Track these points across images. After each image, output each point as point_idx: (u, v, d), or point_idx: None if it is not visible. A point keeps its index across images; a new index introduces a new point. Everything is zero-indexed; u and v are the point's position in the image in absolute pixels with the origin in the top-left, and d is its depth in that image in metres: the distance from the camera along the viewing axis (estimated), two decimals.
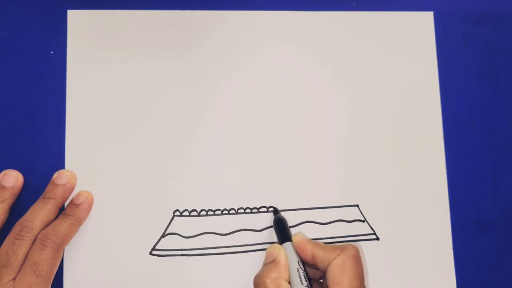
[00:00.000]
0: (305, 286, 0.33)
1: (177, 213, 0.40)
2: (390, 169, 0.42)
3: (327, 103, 0.42)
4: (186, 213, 0.40)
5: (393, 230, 0.41)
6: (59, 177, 0.38)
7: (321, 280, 0.36)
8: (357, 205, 0.41)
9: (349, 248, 0.34)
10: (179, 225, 0.39)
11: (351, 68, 0.43)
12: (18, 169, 0.39)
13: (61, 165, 0.39)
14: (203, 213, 0.40)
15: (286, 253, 0.35)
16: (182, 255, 0.39)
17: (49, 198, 0.37)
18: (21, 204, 0.38)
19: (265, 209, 0.40)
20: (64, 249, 0.38)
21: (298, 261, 0.34)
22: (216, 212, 0.40)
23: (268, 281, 0.33)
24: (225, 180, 0.40)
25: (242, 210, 0.40)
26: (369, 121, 0.42)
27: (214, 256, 0.39)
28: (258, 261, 0.39)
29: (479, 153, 0.43)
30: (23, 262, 0.35)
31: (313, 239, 0.40)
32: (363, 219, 0.41)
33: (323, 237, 0.40)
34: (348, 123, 0.42)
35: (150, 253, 0.39)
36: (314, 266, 0.35)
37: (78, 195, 0.38)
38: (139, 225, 0.39)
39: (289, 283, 0.34)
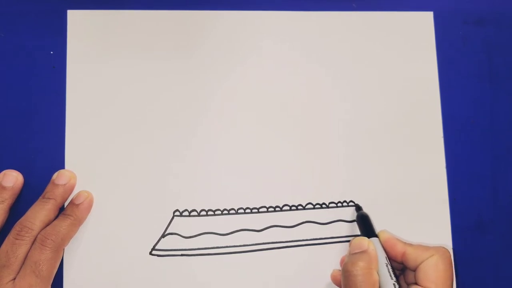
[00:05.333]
0: (394, 282, 0.33)
1: (177, 213, 0.40)
2: (390, 169, 0.42)
3: (327, 103, 0.42)
4: (186, 213, 0.40)
5: (393, 230, 0.41)
6: (59, 177, 0.38)
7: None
8: (357, 205, 0.41)
9: (443, 250, 0.35)
10: (179, 225, 0.39)
11: (351, 68, 0.43)
12: (18, 169, 0.39)
13: (61, 165, 0.39)
14: (203, 213, 0.40)
15: (375, 246, 0.35)
16: (182, 255, 0.39)
17: (49, 198, 0.37)
18: (21, 204, 0.38)
19: (265, 209, 0.40)
20: (64, 249, 0.38)
21: (386, 257, 0.35)
22: (216, 212, 0.40)
23: (358, 268, 0.33)
24: (225, 180, 0.40)
25: (242, 210, 0.40)
26: (369, 121, 0.42)
27: (214, 256, 0.39)
28: (258, 261, 0.39)
29: (479, 153, 0.43)
30: (23, 262, 0.35)
31: (313, 239, 0.40)
32: None
33: (323, 237, 0.40)
34: (348, 123, 0.42)
35: (150, 253, 0.39)
36: (400, 264, 0.36)
37: (78, 195, 0.38)
38: (139, 225, 0.39)
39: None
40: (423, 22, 0.44)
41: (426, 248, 0.35)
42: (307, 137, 0.42)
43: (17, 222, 0.36)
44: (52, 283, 0.36)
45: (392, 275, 0.34)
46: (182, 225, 0.39)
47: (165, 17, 0.42)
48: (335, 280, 0.38)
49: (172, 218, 0.40)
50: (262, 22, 0.43)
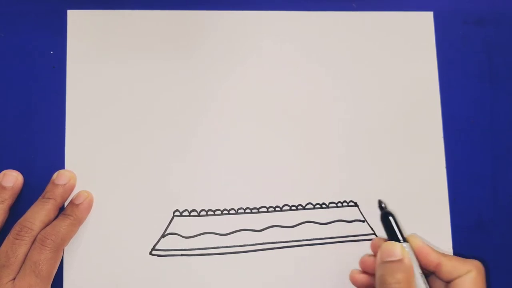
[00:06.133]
0: None
1: (177, 213, 0.40)
2: (390, 169, 0.42)
3: (327, 103, 0.42)
4: (186, 213, 0.40)
5: None
6: (59, 177, 0.38)
7: None
8: (357, 205, 0.41)
9: (480, 266, 0.33)
10: (179, 225, 0.39)
11: (351, 68, 0.43)
12: (18, 169, 0.39)
13: (61, 165, 0.39)
14: (203, 213, 0.40)
15: (409, 254, 0.33)
16: (182, 255, 0.39)
17: (49, 198, 0.37)
18: (21, 204, 0.38)
19: (265, 209, 0.40)
20: (64, 249, 0.38)
21: (418, 265, 0.33)
22: (216, 212, 0.40)
23: (396, 281, 0.31)
24: (225, 180, 0.40)
25: (242, 210, 0.40)
26: (369, 121, 0.42)
27: (214, 256, 0.39)
28: (258, 261, 0.39)
29: (479, 153, 0.43)
30: (23, 262, 0.35)
31: (313, 239, 0.40)
32: (363, 219, 0.41)
33: (323, 237, 0.40)
34: (348, 123, 0.42)
35: (150, 253, 0.39)
36: (433, 274, 0.34)
37: (78, 195, 0.38)
38: (139, 225, 0.39)
39: None
40: (423, 22, 0.44)
41: (463, 261, 0.33)
42: (307, 137, 0.42)
43: (17, 222, 0.36)
44: (52, 283, 0.36)
45: (426, 285, 0.32)
46: (182, 225, 0.39)
47: (165, 17, 0.42)
48: (355, 282, 0.36)
49: (172, 218, 0.40)
50: (262, 22, 0.43)
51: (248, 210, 0.40)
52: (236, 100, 0.42)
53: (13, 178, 0.38)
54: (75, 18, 0.41)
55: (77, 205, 0.38)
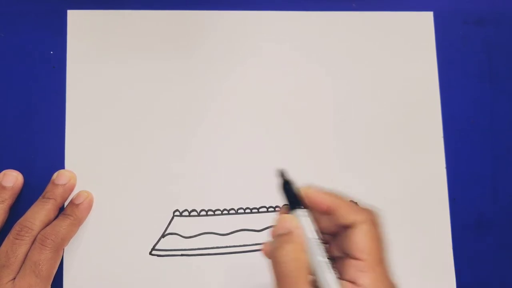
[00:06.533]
0: (324, 259, 0.30)
1: (177, 213, 0.40)
2: (390, 169, 0.42)
3: (327, 103, 0.42)
4: (186, 213, 0.40)
5: (393, 230, 0.41)
6: (59, 177, 0.38)
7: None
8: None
9: (373, 214, 0.31)
10: (179, 225, 0.39)
11: (351, 68, 0.43)
12: (18, 169, 0.39)
13: (61, 165, 0.39)
14: (203, 213, 0.40)
15: (300, 223, 0.31)
16: (182, 255, 0.39)
17: (49, 198, 0.37)
18: (21, 204, 0.38)
19: (265, 209, 0.40)
20: (63, 249, 0.38)
21: (312, 230, 0.31)
22: (216, 212, 0.40)
23: (285, 254, 0.29)
24: (225, 180, 0.40)
25: (242, 210, 0.40)
26: (369, 121, 0.42)
27: (214, 256, 0.39)
28: (258, 261, 0.39)
29: (479, 153, 0.43)
30: (23, 262, 0.35)
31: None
32: None
33: None
34: (348, 123, 0.42)
35: (150, 253, 0.39)
36: (330, 235, 0.32)
37: (78, 195, 0.38)
38: (139, 225, 0.39)
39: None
40: (423, 22, 0.44)
41: (357, 209, 0.31)
42: (307, 137, 0.42)
43: (17, 222, 0.36)
44: (52, 283, 0.36)
45: (320, 252, 0.30)
46: (182, 225, 0.39)
47: (165, 17, 0.42)
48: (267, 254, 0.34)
49: (172, 218, 0.40)
50: (262, 22, 0.43)
51: (248, 210, 0.40)
52: (236, 100, 0.42)
53: (13, 178, 0.38)
54: (75, 18, 0.41)
55: (77, 205, 0.38)
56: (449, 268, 0.41)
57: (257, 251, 0.40)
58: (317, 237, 0.31)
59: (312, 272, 0.30)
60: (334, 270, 0.30)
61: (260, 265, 0.39)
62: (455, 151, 0.43)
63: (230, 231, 0.40)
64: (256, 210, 0.40)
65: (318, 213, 0.32)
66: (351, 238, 0.30)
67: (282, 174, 0.34)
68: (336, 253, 0.32)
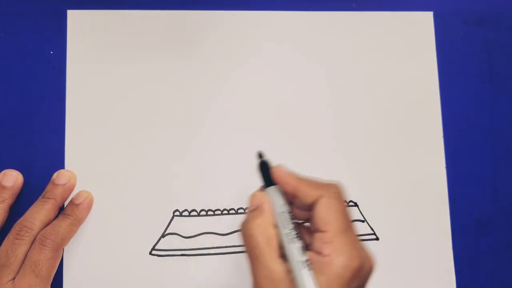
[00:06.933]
0: (289, 230, 0.31)
1: (177, 213, 0.40)
2: (390, 169, 0.42)
3: (326, 103, 0.42)
4: (186, 213, 0.40)
5: (393, 230, 0.41)
6: (59, 177, 0.38)
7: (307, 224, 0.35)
8: (357, 205, 0.41)
9: (333, 187, 0.33)
10: (179, 225, 0.39)
11: (351, 68, 0.43)
12: (18, 169, 0.39)
13: (61, 165, 0.39)
14: (203, 213, 0.40)
15: (270, 199, 0.33)
16: (182, 255, 0.39)
17: (49, 198, 0.37)
18: (21, 204, 0.38)
19: None
20: (63, 249, 0.38)
21: (282, 205, 0.33)
22: (216, 212, 0.40)
23: (254, 227, 0.31)
24: (225, 180, 0.40)
25: (242, 210, 0.40)
26: (369, 121, 0.42)
27: (214, 256, 0.39)
28: None
29: (479, 153, 0.43)
30: (23, 262, 0.35)
31: None
32: (362, 219, 0.41)
33: None
34: (348, 123, 0.42)
35: (150, 253, 0.39)
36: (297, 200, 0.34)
37: (77, 195, 0.38)
38: (139, 225, 0.39)
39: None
40: (423, 22, 0.44)
41: (316, 186, 0.33)
42: (307, 137, 0.42)
43: (17, 222, 0.36)
44: (52, 283, 0.36)
45: (287, 223, 0.32)
46: (182, 225, 0.39)
47: (165, 17, 0.42)
48: None
49: (172, 218, 0.40)
50: (262, 22, 0.43)
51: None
52: (236, 100, 0.42)
53: (13, 178, 0.38)
54: (75, 18, 0.41)
55: (77, 205, 0.38)
56: (449, 268, 0.41)
57: None
58: (288, 211, 0.32)
59: (280, 245, 0.31)
60: (303, 243, 0.31)
61: None
62: (455, 151, 0.43)
63: (230, 231, 0.40)
64: None
65: (286, 194, 0.34)
66: (315, 212, 0.32)
67: (260, 155, 0.36)
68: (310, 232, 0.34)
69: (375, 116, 0.43)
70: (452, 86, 0.44)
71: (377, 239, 0.41)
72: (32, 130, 0.40)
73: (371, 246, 0.41)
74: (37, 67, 0.40)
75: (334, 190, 0.33)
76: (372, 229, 0.41)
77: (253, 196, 0.34)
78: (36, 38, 0.41)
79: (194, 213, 0.40)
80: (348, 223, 0.32)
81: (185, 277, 0.39)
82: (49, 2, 0.41)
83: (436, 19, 0.44)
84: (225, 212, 0.40)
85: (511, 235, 0.42)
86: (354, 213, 0.41)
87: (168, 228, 0.39)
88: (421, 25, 0.44)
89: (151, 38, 0.42)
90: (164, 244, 0.39)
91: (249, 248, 0.31)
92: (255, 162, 0.35)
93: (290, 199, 0.34)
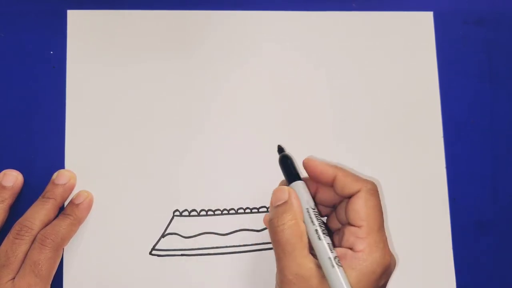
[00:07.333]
0: (317, 226, 0.31)
1: (177, 213, 0.40)
2: (390, 169, 0.42)
3: (326, 103, 0.42)
4: (186, 213, 0.40)
5: (393, 230, 0.41)
6: (59, 177, 0.38)
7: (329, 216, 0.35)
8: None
9: (371, 183, 0.33)
10: (179, 225, 0.39)
11: (351, 68, 0.43)
12: (18, 169, 0.39)
13: (61, 165, 0.39)
14: (203, 213, 0.40)
15: (296, 193, 0.33)
16: (182, 255, 0.39)
17: (49, 198, 0.37)
18: (21, 204, 0.38)
19: (265, 209, 0.40)
20: (63, 248, 0.38)
21: (308, 200, 0.33)
22: (216, 212, 0.40)
23: (287, 221, 0.31)
24: (225, 180, 0.40)
25: (242, 210, 0.40)
26: (369, 121, 0.42)
27: (214, 256, 0.39)
28: (258, 261, 0.39)
29: (479, 153, 0.43)
30: (23, 262, 0.35)
31: None
32: None
33: None
34: (348, 123, 0.42)
35: (150, 253, 0.39)
36: (330, 207, 0.34)
37: (77, 195, 0.38)
38: (139, 225, 0.39)
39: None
40: (423, 22, 0.44)
41: (356, 178, 0.33)
42: (306, 137, 0.42)
43: (17, 222, 0.36)
44: (52, 283, 0.36)
45: (314, 220, 0.32)
46: (182, 225, 0.39)
47: (165, 17, 0.42)
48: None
49: (172, 218, 0.40)
50: (262, 22, 0.43)
51: (248, 210, 0.40)
52: (236, 100, 0.42)
53: (13, 178, 0.38)
54: (75, 18, 0.41)
55: (77, 205, 0.38)
56: (449, 268, 0.41)
57: (257, 251, 0.40)
58: (313, 207, 0.32)
59: (309, 239, 0.31)
60: (332, 239, 0.32)
61: (260, 265, 0.39)
62: (455, 151, 0.43)
63: (230, 231, 0.40)
64: (256, 210, 0.40)
65: (321, 183, 0.34)
66: (351, 206, 0.32)
67: (280, 149, 0.36)
68: (336, 225, 0.34)
69: (375, 116, 0.43)
70: (452, 86, 0.44)
71: None
72: (32, 130, 0.40)
73: None
74: (37, 67, 0.40)
75: (372, 186, 0.33)
76: None
77: (278, 190, 0.33)
78: (36, 38, 0.41)
79: (194, 213, 0.40)
80: (382, 222, 0.32)
81: (185, 277, 0.39)
82: (49, 2, 0.41)
83: (436, 19, 0.44)
84: (225, 212, 0.40)
85: (511, 235, 0.42)
86: None
87: (168, 228, 0.39)
88: (421, 25, 0.44)
89: (151, 38, 0.42)
90: (164, 244, 0.39)
91: (280, 244, 0.31)
92: (275, 157, 0.35)
93: (314, 194, 0.34)
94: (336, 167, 0.33)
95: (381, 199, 0.33)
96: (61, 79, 0.40)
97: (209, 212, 0.40)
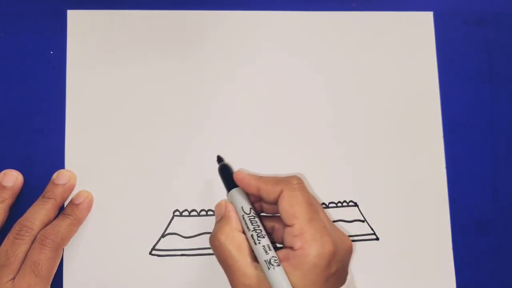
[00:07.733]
0: (252, 231, 0.32)
1: (177, 213, 0.40)
2: (390, 169, 0.42)
3: (326, 103, 0.42)
4: (186, 213, 0.40)
5: (393, 230, 0.41)
6: (59, 177, 0.38)
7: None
8: (357, 205, 0.41)
9: (293, 179, 0.33)
10: (179, 225, 0.39)
11: (351, 68, 0.43)
12: (18, 169, 0.39)
13: (61, 165, 0.39)
14: (203, 213, 0.40)
15: (233, 205, 0.34)
16: (182, 255, 0.39)
17: (49, 198, 0.37)
18: (21, 204, 0.38)
19: None
20: (63, 248, 0.38)
21: (244, 206, 0.33)
22: None
23: (222, 237, 0.32)
24: None
25: None
26: (369, 121, 0.42)
27: (214, 256, 0.39)
28: None
29: (479, 153, 0.43)
30: (23, 262, 0.35)
31: None
32: (362, 219, 0.41)
33: None
34: (348, 123, 0.42)
35: (150, 253, 0.39)
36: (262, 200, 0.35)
37: (77, 195, 0.38)
38: (139, 225, 0.39)
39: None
40: (423, 22, 0.44)
41: (276, 181, 0.33)
42: (306, 137, 0.42)
43: (17, 222, 0.36)
44: (52, 283, 0.36)
45: (249, 225, 0.32)
46: (182, 225, 0.39)
47: (165, 17, 0.42)
48: None
49: (172, 218, 0.40)
50: (262, 22, 0.43)
51: None
52: (236, 100, 0.42)
53: (13, 178, 0.38)
54: (75, 18, 0.41)
55: (77, 205, 0.38)
56: (449, 268, 0.41)
57: None
58: (248, 212, 0.33)
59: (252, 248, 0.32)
60: (269, 240, 0.32)
61: None
62: (455, 151, 0.43)
63: None
64: None
65: (251, 195, 0.35)
66: (279, 208, 0.32)
67: (219, 159, 0.38)
68: (281, 228, 0.34)
69: (375, 116, 0.43)
70: (452, 86, 0.44)
71: (377, 239, 0.41)
72: (32, 130, 0.40)
73: (371, 246, 0.41)
74: (37, 67, 0.40)
75: (295, 182, 0.33)
76: (372, 229, 0.41)
77: (217, 205, 0.35)
78: (36, 38, 0.41)
79: (194, 213, 0.40)
80: (313, 212, 0.32)
81: (185, 277, 0.39)
82: (49, 2, 0.41)
83: (436, 19, 0.44)
84: None
85: (511, 235, 0.42)
86: (354, 213, 0.41)
87: (168, 228, 0.39)
88: (421, 25, 0.44)
89: (151, 38, 0.42)
90: (164, 244, 0.39)
91: (222, 259, 0.32)
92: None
93: (257, 200, 0.35)
94: (259, 178, 0.34)
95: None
96: (61, 79, 0.40)
97: (209, 212, 0.40)
